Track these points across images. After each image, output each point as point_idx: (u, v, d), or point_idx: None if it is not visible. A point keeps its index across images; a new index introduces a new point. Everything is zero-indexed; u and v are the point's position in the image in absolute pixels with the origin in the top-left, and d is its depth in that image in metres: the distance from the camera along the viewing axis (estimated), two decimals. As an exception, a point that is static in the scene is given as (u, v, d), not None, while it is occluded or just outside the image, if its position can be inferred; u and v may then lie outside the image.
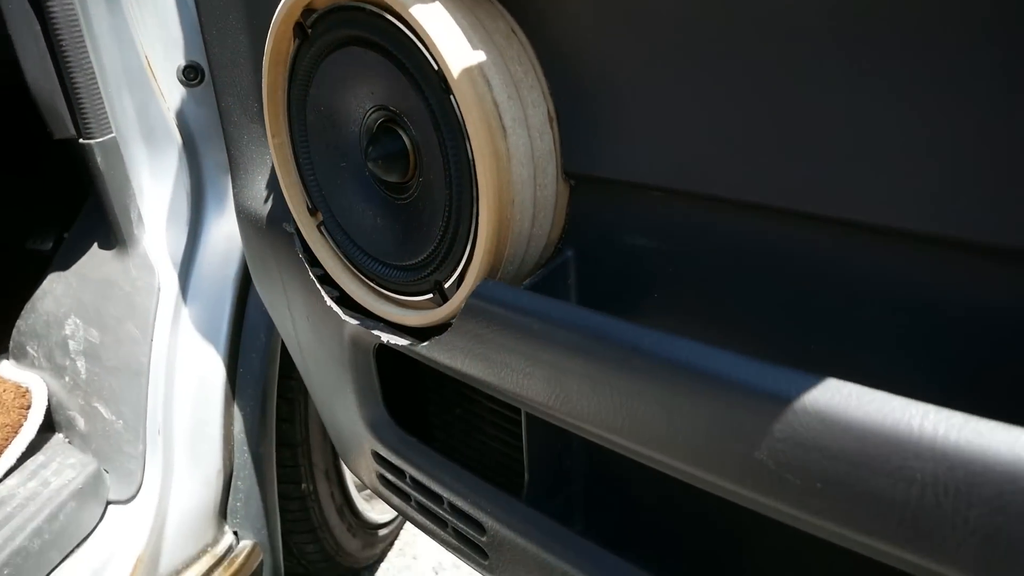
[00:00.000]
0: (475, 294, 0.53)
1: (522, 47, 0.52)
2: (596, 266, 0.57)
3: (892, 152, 0.39)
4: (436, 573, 1.68)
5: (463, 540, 0.73)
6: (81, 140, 0.97)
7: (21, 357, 1.13)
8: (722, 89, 0.44)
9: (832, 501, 0.39)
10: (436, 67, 0.50)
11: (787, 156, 0.43)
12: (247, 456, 1.14)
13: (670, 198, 0.50)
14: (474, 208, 0.53)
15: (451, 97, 0.50)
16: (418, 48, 0.51)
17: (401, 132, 0.56)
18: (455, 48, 0.48)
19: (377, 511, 1.62)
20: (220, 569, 1.11)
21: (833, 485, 0.38)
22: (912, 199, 0.39)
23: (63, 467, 1.01)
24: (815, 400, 0.38)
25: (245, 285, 1.10)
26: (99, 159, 0.97)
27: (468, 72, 0.48)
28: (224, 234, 1.09)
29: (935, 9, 0.35)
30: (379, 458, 0.80)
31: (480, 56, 0.49)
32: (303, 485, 1.34)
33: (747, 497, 0.43)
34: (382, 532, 1.64)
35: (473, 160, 0.51)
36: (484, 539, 0.68)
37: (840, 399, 0.38)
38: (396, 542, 1.76)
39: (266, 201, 0.78)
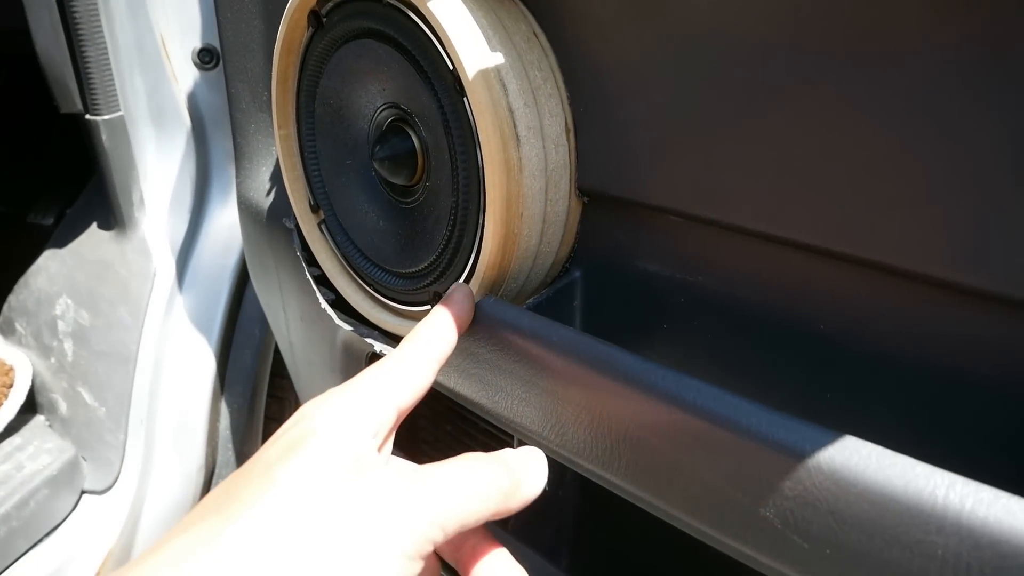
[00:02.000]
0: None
1: (543, 52, 0.49)
2: (604, 289, 0.54)
3: (933, 196, 0.36)
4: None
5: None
6: (87, 116, 0.95)
7: (9, 333, 1.11)
8: (752, 114, 0.41)
9: (841, 570, 0.35)
10: (451, 67, 0.47)
11: (819, 190, 0.39)
12: (231, 454, 1.11)
13: (688, 224, 0.47)
14: (480, 219, 0.50)
15: (464, 100, 0.47)
16: (434, 45, 0.48)
17: (411, 132, 0.54)
18: (472, 48, 0.46)
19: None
20: (192, 568, 1.07)
21: (843, 553, 0.35)
22: (942, 245, 0.36)
23: (40, 451, 0.98)
24: (831, 458, 0.35)
25: (243, 278, 1.08)
26: (104, 137, 0.94)
27: (484, 74, 0.46)
28: (226, 224, 1.06)
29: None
30: (363, 470, 0.77)
31: (498, 58, 0.46)
32: (287, 487, 1.31)
33: (748, 556, 0.40)
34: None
35: (483, 168, 0.48)
36: (464, 566, 0.65)
37: (858, 460, 0.35)
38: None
39: (268, 194, 0.75)
